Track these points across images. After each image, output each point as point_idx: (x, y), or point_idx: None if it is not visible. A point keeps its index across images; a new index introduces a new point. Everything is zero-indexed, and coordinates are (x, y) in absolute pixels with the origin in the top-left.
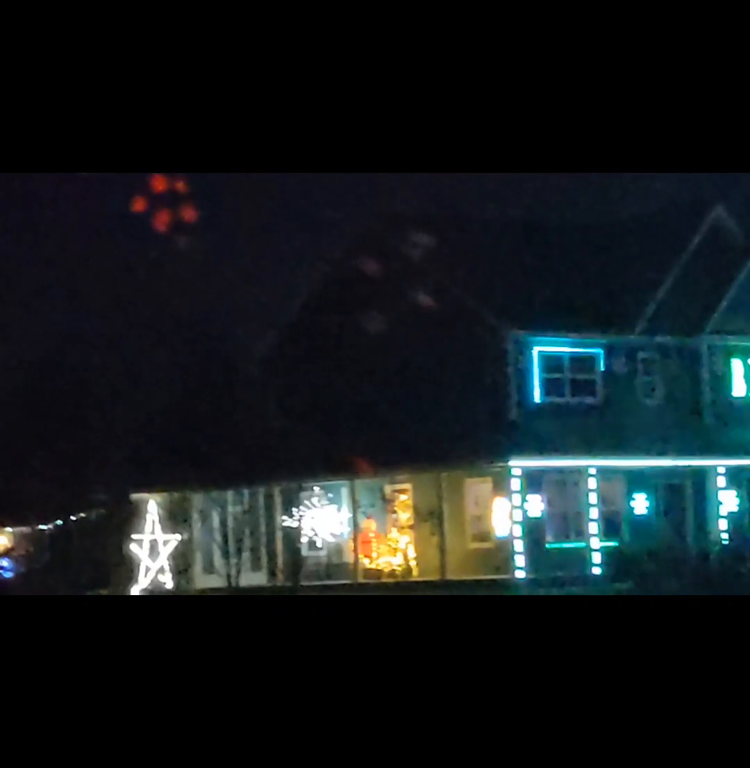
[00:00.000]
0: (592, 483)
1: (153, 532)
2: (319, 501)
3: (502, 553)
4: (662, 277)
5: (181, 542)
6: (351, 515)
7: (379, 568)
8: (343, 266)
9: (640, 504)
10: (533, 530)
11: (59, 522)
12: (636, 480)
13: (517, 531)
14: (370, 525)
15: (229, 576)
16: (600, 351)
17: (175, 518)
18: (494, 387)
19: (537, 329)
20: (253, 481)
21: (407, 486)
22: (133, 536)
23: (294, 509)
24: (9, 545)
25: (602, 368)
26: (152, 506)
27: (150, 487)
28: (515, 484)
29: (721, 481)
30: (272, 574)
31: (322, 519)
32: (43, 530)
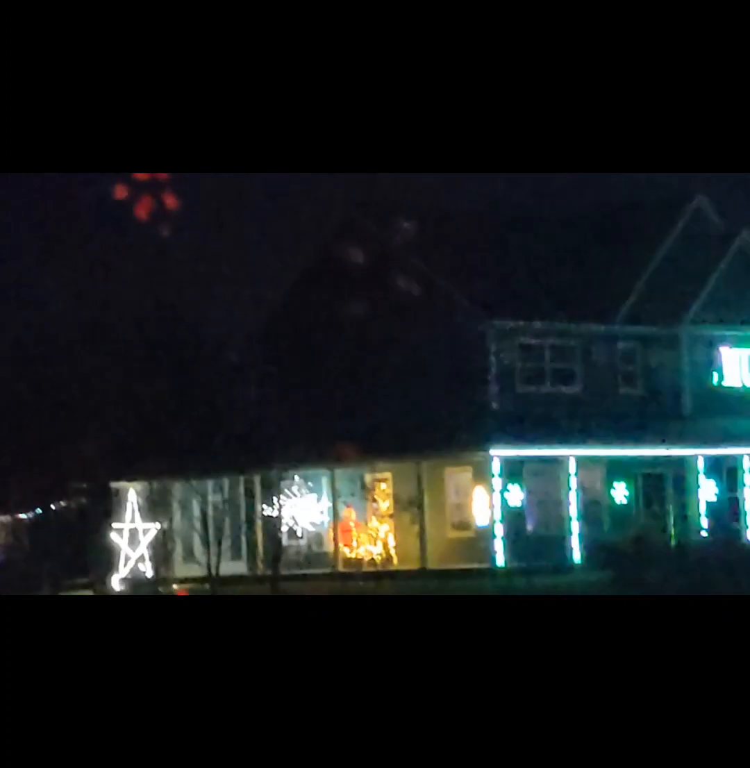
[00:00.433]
0: (572, 472)
1: (133, 521)
2: (299, 490)
3: (482, 542)
4: (643, 267)
5: (161, 531)
6: (331, 504)
7: (359, 557)
8: (325, 255)
9: (620, 493)
10: (513, 519)
11: (39, 511)
12: (616, 469)
13: (498, 520)
14: (350, 514)
15: (209, 565)
16: (580, 341)
17: (155, 507)
18: (475, 376)
19: (518, 319)
20: (234, 469)
21: (387, 475)
22: (113, 525)
23: (274, 498)
24: None
25: (582, 358)
26: (132, 495)
27: (130, 475)
28: (495, 473)
29: (701, 471)
30: (252, 562)
31: (302, 508)
32: (23, 519)
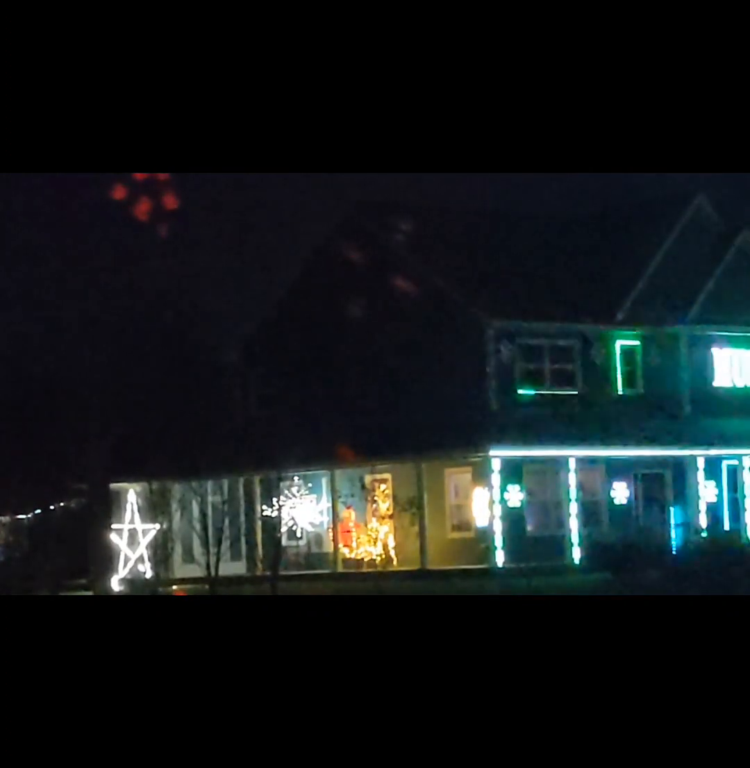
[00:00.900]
0: (571, 472)
1: (132, 522)
2: (298, 491)
3: (481, 542)
4: (643, 266)
5: (161, 532)
6: (331, 505)
7: (358, 557)
8: (324, 255)
9: (620, 493)
10: (513, 520)
11: (38, 511)
12: (616, 470)
13: (497, 520)
14: (349, 515)
15: (208, 565)
16: (580, 341)
17: (154, 508)
18: (474, 377)
19: (517, 319)
20: (233, 470)
21: (387, 476)
22: (113, 526)
23: (274, 499)
24: None
25: (582, 358)
26: (132, 496)
27: (129, 476)
28: (495, 473)
29: (700, 471)
30: (252, 563)
31: (302, 509)
32: (22, 520)
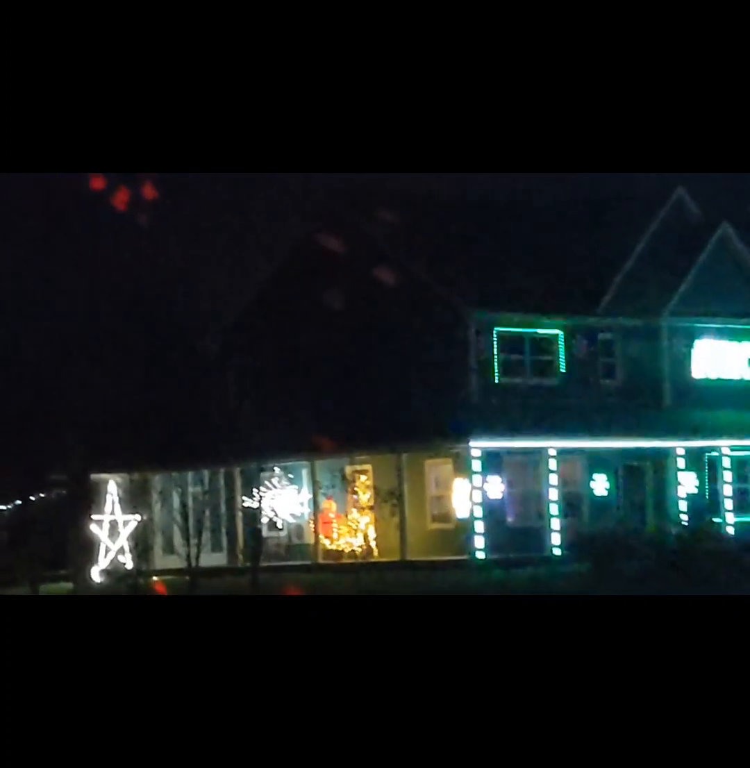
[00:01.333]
0: (552, 464)
1: (113, 513)
2: (279, 482)
3: (462, 533)
4: (623, 258)
5: (141, 523)
6: (311, 496)
7: (339, 548)
8: (304, 245)
9: (600, 485)
10: (493, 511)
11: (18, 503)
12: (596, 461)
13: (478, 512)
14: (330, 506)
15: (189, 556)
16: (560, 332)
17: (135, 499)
18: (455, 368)
19: (497, 310)
20: (214, 461)
21: (367, 467)
22: (93, 517)
23: (254, 490)
24: None
25: (563, 350)
26: (112, 487)
27: (110, 467)
28: (475, 464)
29: (681, 463)
30: (232, 554)
31: (283, 500)
32: (2, 511)
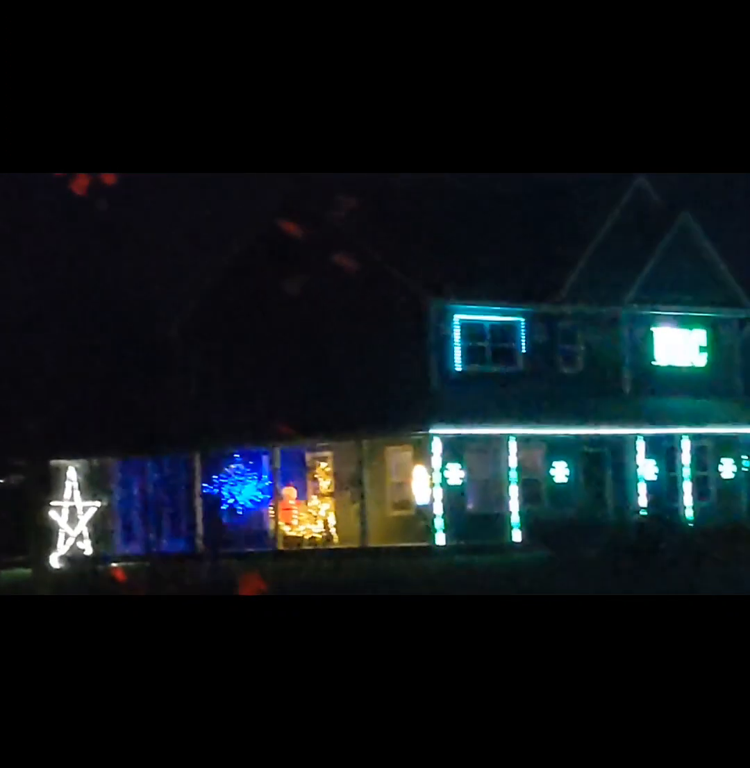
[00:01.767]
0: (512, 451)
1: (72, 499)
2: (239, 468)
3: (422, 520)
4: (584, 246)
5: (101, 509)
6: (271, 482)
7: (299, 535)
8: (264, 232)
9: (560, 472)
10: (453, 498)
11: None
12: (556, 448)
13: (438, 498)
14: (290, 492)
15: (148, 542)
16: (521, 320)
17: (94, 485)
18: (415, 355)
19: (458, 297)
20: (173, 448)
21: (328, 453)
22: (52, 503)
23: (214, 476)
24: None
25: (523, 337)
26: (72, 473)
27: (69, 453)
28: (436, 451)
29: (641, 450)
30: (192, 541)
31: (243, 486)
32: None
